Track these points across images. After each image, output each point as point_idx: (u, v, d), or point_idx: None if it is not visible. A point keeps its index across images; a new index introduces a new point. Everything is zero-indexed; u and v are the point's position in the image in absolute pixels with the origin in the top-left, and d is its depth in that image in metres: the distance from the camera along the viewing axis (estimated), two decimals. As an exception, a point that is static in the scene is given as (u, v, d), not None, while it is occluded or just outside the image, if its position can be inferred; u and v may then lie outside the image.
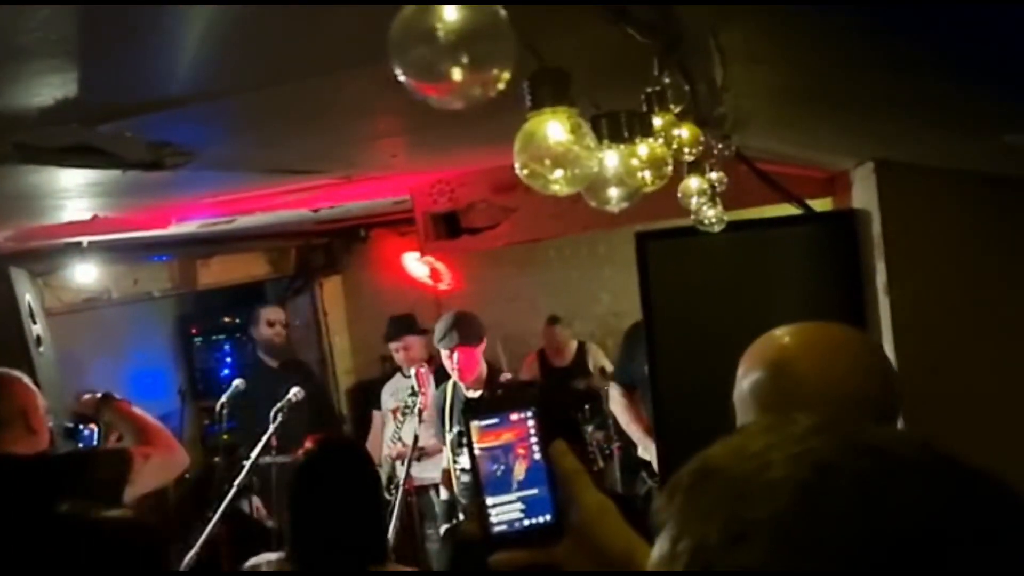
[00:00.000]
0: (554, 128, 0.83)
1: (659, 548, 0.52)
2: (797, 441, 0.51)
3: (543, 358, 6.13)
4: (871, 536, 0.45)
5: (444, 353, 4.10)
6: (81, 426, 3.02)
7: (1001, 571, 0.45)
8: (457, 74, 0.56)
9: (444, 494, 4.48)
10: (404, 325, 5.50)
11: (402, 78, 0.57)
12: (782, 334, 1.34)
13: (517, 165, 0.84)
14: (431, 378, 4.17)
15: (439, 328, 4.14)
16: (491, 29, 0.55)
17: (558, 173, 0.83)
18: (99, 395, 3.06)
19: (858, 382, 1.23)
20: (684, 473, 0.54)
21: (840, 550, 0.45)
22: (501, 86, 0.59)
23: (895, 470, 0.49)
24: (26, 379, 2.78)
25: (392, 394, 5.41)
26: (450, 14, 0.54)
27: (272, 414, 4.32)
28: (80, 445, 2.99)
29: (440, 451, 4.44)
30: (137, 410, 3.08)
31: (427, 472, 4.77)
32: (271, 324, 5.83)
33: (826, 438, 0.51)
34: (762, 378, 1.28)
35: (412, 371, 4.21)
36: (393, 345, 5.45)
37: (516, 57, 0.58)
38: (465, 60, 0.55)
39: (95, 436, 3.01)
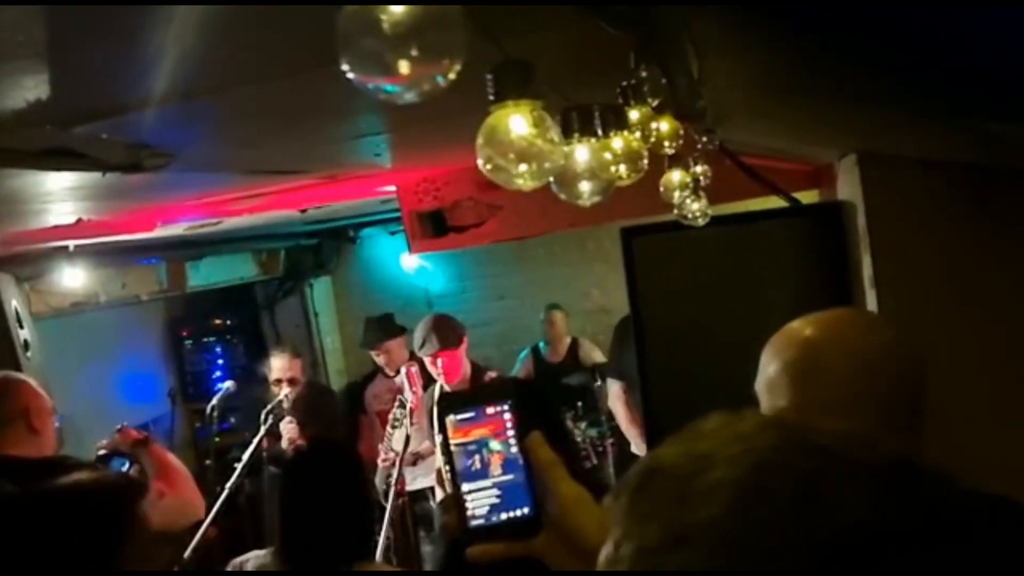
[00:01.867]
0: (516, 122, 0.82)
1: (604, 551, 0.52)
2: (740, 441, 0.50)
3: (537, 356, 6.12)
4: (808, 538, 0.45)
5: (427, 360, 4.06)
6: (115, 459, 3.00)
7: (939, 566, 0.45)
8: (405, 67, 0.55)
9: (439, 494, 4.47)
10: (382, 329, 5.08)
11: (350, 75, 0.56)
12: (808, 320, 1.32)
13: (480, 160, 0.84)
14: (420, 379, 4.14)
15: (418, 335, 4.10)
16: (440, 20, 0.54)
17: (522, 167, 0.82)
18: (141, 436, 3.04)
19: (889, 364, 1.22)
20: (632, 473, 0.54)
21: (778, 552, 0.44)
22: (452, 76, 0.58)
23: (836, 471, 0.48)
24: (32, 382, 2.77)
25: (376, 396, 5.21)
26: (396, 7, 0.53)
27: (263, 415, 4.32)
28: None
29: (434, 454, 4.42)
30: (171, 456, 3.06)
31: (421, 479, 4.72)
32: (279, 383, 4.69)
33: (769, 438, 0.50)
34: (794, 359, 1.25)
35: (403, 371, 4.17)
36: (373, 352, 5.11)
37: (466, 47, 0.58)
38: (414, 52, 0.55)
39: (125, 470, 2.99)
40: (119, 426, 3.10)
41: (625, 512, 0.51)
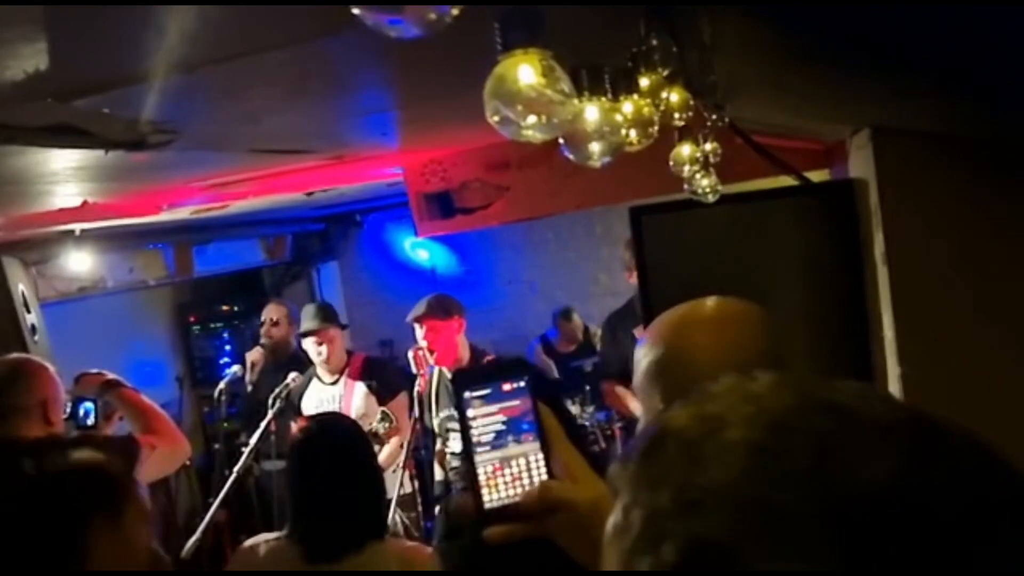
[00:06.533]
0: (525, 71, 0.79)
1: (613, 518, 0.49)
2: (754, 401, 0.49)
3: (547, 345, 6.11)
4: (827, 500, 0.43)
5: (416, 330, 3.99)
6: (78, 404, 2.98)
7: (967, 528, 0.43)
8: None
9: (439, 474, 4.43)
10: (323, 314, 4.56)
11: (355, 9, 0.54)
12: (676, 312, 1.32)
13: (488, 111, 0.81)
14: (425, 363, 4.10)
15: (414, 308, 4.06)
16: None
17: (531, 119, 0.80)
18: (104, 378, 3.03)
19: (748, 355, 1.19)
20: (640, 438, 0.52)
21: (795, 515, 0.43)
22: (455, 12, 0.56)
23: (854, 428, 0.46)
24: (51, 369, 2.75)
25: (317, 407, 4.49)
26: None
27: (271, 400, 4.30)
28: (77, 424, 2.96)
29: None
30: (144, 398, 3.06)
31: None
32: (262, 323, 5.25)
33: (783, 396, 0.49)
34: (660, 355, 1.24)
35: (410, 354, 4.13)
36: (312, 340, 4.50)
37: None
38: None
39: (91, 415, 2.97)
40: (77, 375, 3.07)
41: (634, 477, 0.49)
